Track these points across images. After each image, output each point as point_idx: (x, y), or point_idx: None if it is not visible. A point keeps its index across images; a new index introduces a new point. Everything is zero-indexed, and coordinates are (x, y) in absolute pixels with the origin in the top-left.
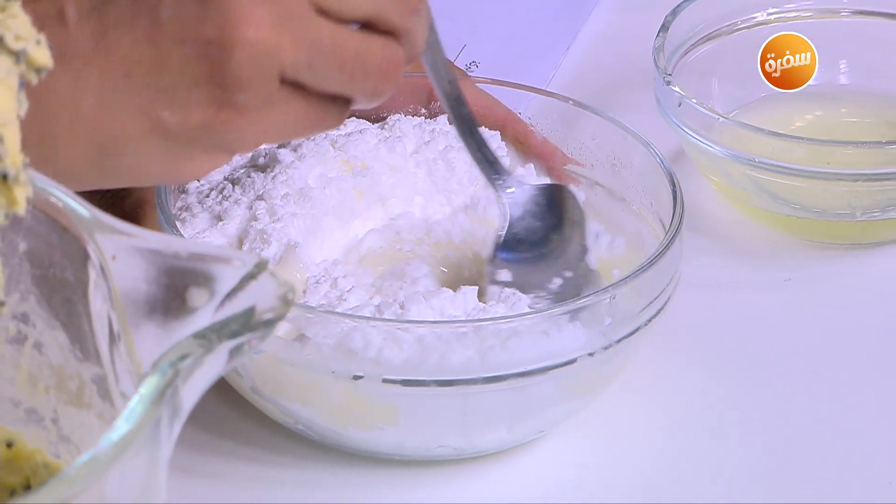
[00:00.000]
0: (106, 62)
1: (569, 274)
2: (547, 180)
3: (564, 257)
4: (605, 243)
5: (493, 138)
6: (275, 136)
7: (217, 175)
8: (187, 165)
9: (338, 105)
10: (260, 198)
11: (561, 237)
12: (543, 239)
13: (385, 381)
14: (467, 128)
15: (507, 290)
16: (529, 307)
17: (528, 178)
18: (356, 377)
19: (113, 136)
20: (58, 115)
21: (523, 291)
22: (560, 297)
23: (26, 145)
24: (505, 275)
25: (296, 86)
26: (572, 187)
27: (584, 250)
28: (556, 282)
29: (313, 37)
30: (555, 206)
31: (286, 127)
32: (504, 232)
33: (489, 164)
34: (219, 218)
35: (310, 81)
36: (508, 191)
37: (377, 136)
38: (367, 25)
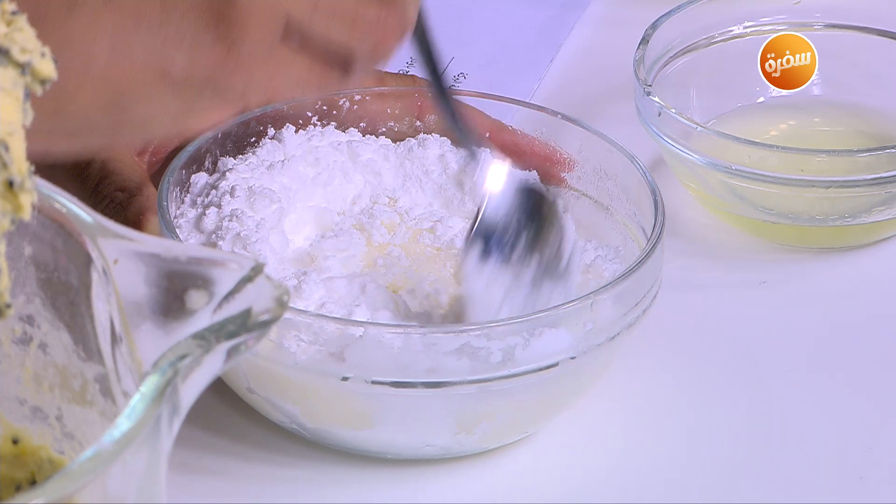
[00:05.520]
0: (116, 11)
1: (543, 275)
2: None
3: (539, 256)
4: (591, 251)
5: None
6: (282, 89)
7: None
8: (197, 115)
9: (338, 66)
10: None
11: (536, 237)
12: (517, 234)
13: (374, 382)
14: (448, 105)
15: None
16: (504, 302)
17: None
18: (344, 378)
19: (124, 86)
20: (70, 67)
21: (497, 278)
22: (533, 296)
23: (40, 100)
24: (478, 261)
25: (299, 40)
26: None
27: (558, 253)
28: (527, 280)
29: None
30: (531, 205)
31: (291, 81)
32: (481, 212)
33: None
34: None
35: (312, 30)
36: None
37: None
38: None
